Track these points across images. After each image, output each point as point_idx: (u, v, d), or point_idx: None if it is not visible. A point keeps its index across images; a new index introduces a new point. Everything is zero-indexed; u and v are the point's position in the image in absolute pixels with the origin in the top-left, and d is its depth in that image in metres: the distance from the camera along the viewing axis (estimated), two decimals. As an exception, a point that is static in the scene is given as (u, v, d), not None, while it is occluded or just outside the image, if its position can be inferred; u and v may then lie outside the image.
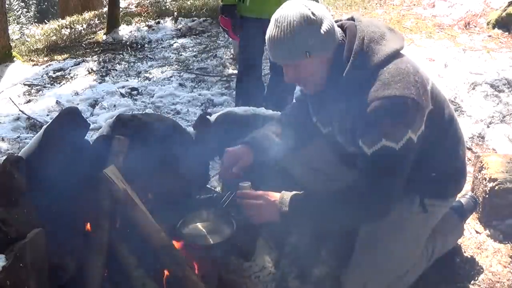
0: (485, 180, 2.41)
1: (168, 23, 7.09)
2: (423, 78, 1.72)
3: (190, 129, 2.33)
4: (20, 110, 4.36)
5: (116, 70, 5.56)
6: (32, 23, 15.21)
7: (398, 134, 1.62)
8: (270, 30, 1.68)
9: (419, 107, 1.65)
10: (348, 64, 1.68)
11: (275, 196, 1.81)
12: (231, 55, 5.50)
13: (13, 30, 10.99)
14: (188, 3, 7.87)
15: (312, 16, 1.62)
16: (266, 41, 1.71)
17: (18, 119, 4.22)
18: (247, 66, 3.41)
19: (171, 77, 5.13)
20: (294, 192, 1.80)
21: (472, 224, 2.44)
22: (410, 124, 1.63)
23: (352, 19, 1.80)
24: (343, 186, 1.76)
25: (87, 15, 8.58)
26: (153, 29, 6.96)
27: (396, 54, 1.71)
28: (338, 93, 1.75)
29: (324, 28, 1.65)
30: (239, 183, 1.90)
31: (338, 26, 1.77)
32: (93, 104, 4.55)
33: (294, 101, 2.21)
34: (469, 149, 3.15)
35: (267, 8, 2.99)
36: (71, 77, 5.46)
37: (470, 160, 2.94)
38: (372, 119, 1.63)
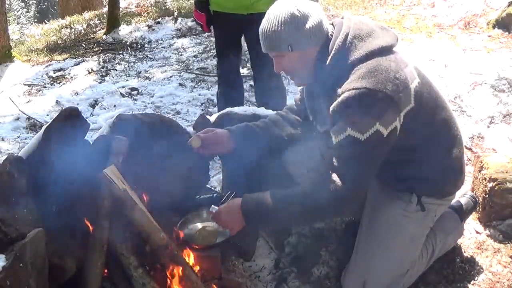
0: (485, 180, 2.41)
1: (168, 23, 7.09)
2: (407, 77, 1.73)
3: (190, 129, 2.33)
4: (20, 110, 4.36)
5: (116, 70, 5.56)
6: (32, 23, 15.22)
7: (364, 125, 1.63)
8: (262, 23, 1.79)
9: (392, 102, 1.66)
10: (328, 59, 1.72)
11: (236, 204, 1.81)
12: (231, 55, 5.50)
13: (13, 30, 10.98)
14: (188, 3, 7.87)
15: (296, 13, 1.71)
16: (260, 29, 1.80)
17: (18, 119, 4.22)
18: (220, 60, 3.45)
19: (171, 77, 5.13)
20: (255, 195, 1.81)
21: (472, 224, 2.44)
22: (379, 117, 1.64)
23: (343, 17, 1.83)
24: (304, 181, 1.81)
25: (87, 15, 8.58)
26: (153, 29, 6.96)
27: (381, 51, 1.72)
28: (322, 88, 1.80)
29: (308, 25, 1.71)
30: (210, 207, 1.92)
31: (330, 24, 1.81)
32: (93, 104, 4.55)
33: (293, 102, 2.22)
34: (469, 149, 3.15)
35: (240, 3, 3.02)
36: (71, 77, 5.46)
37: (470, 160, 2.93)
38: (341, 109, 1.67)
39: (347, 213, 2.23)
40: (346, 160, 1.67)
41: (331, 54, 1.73)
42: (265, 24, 1.77)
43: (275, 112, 2.24)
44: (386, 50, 1.74)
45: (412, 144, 1.80)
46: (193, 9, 3.40)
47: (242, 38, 3.33)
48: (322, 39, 1.76)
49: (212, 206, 1.90)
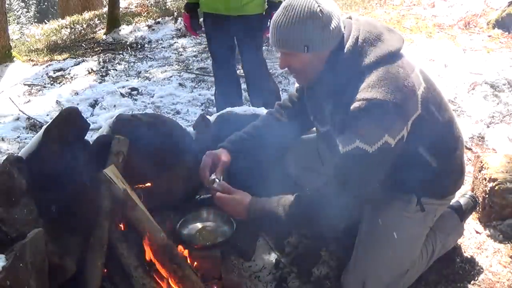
0: (485, 180, 2.41)
1: (168, 23, 7.09)
2: (414, 83, 1.71)
3: (190, 129, 2.33)
4: (20, 110, 4.36)
5: (116, 70, 5.56)
6: (32, 23, 15.23)
7: (373, 137, 1.61)
8: (277, 15, 1.68)
9: (402, 112, 1.64)
10: (338, 62, 1.69)
11: (244, 200, 1.82)
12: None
13: (13, 30, 11.00)
14: (188, 3, 7.86)
15: (319, 13, 1.62)
16: (272, 21, 1.70)
17: (18, 119, 4.22)
18: (214, 61, 3.50)
19: (171, 77, 5.13)
20: (264, 199, 1.81)
21: (472, 224, 2.44)
22: (388, 128, 1.62)
23: (350, 18, 1.80)
24: (311, 190, 1.76)
25: (87, 15, 8.59)
26: (153, 29, 6.96)
27: (390, 56, 1.70)
28: (328, 91, 1.77)
29: (329, 27, 1.65)
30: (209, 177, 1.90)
31: None
32: (93, 104, 4.55)
33: (287, 97, 2.17)
34: (469, 149, 3.15)
35: (230, 5, 3.04)
36: (71, 77, 5.46)
37: (470, 160, 2.94)
38: (350, 119, 1.64)
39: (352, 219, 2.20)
40: (353, 171, 1.66)
41: (342, 59, 1.68)
42: (282, 18, 1.65)
43: (266, 112, 2.20)
44: (394, 55, 1.72)
45: (415, 147, 1.79)
46: None
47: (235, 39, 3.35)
48: (338, 41, 1.70)
49: (214, 177, 1.88)
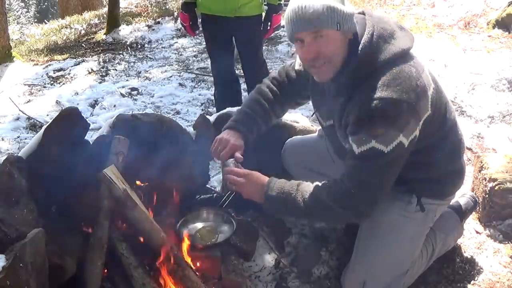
0: (485, 180, 2.41)
1: (168, 23, 7.09)
2: (425, 83, 1.70)
3: (190, 129, 2.33)
4: (20, 110, 4.36)
5: (116, 70, 5.56)
6: (32, 23, 15.25)
7: (389, 137, 1.60)
8: (296, 0, 1.63)
9: (415, 112, 1.64)
10: (353, 57, 1.66)
11: (262, 177, 1.79)
12: (231, 55, 5.51)
13: (13, 30, 10.98)
14: (188, 3, 7.87)
15: None
16: (294, 8, 1.64)
17: (18, 119, 4.23)
18: (212, 61, 3.52)
19: (171, 77, 5.13)
20: (283, 180, 1.78)
21: (472, 224, 2.44)
22: (403, 128, 1.61)
23: (363, 13, 1.77)
24: (331, 182, 1.74)
25: (87, 15, 8.60)
26: (153, 29, 6.97)
27: (403, 55, 1.69)
28: (339, 87, 1.74)
29: (350, 9, 1.65)
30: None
31: None
32: (93, 104, 4.56)
33: (284, 71, 2.12)
34: (469, 149, 3.15)
35: (227, 6, 3.05)
36: (71, 77, 5.46)
37: (470, 160, 2.94)
38: (365, 119, 1.62)
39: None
40: (368, 171, 1.65)
41: (357, 54, 1.65)
42: (305, 0, 1.61)
43: (263, 84, 2.13)
44: (407, 54, 1.71)
45: (419, 148, 1.77)
46: None
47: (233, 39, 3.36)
48: (354, 29, 1.68)
49: (236, 156, 1.84)
